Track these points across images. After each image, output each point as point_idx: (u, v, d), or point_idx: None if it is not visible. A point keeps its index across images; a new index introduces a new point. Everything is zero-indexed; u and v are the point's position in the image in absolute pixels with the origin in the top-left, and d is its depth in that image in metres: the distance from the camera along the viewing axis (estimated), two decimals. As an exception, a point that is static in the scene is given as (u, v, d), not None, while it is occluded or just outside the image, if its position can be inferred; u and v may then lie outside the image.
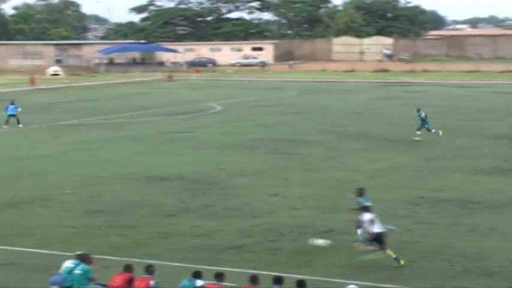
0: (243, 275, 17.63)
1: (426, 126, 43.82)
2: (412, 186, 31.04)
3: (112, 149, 41.71)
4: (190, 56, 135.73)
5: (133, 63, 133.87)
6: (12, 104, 53.85)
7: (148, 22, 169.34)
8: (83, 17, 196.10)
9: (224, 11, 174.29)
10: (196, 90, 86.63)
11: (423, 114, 44.06)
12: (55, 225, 25.02)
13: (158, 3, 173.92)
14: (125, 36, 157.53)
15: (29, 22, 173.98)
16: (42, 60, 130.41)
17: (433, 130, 43.74)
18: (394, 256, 20.67)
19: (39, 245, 22.49)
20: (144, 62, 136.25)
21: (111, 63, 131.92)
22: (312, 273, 19.64)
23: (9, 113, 53.10)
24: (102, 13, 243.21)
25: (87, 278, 16.82)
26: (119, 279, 16.48)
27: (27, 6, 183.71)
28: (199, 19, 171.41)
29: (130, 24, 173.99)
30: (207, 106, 65.81)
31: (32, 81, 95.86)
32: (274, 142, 43.48)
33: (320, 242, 21.95)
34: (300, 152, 40.16)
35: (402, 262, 20.62)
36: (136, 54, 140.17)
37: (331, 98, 72.57)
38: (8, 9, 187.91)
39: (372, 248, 20.78)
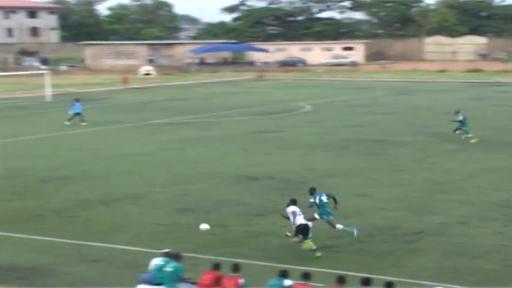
0: (330, 276, 17.55)
1: (465, 128, 43.07)
2: (503, 188, 30.41)
3: (202, 148, 42.07)
4: (280, 56, 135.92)
5: (224, 63, 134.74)
6: (77, 102, 54.84)
7: (240, 22, 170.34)
8: (175, 17, 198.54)
9: (315, 10, 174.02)
10: (286, 90, 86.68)
11: (461, 117, 43.37)
12: (145, 222, 25.36)
13: (249, 3, 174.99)
14: (216, 36, 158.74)
15: (123, 22, 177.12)
16: (135, 60, 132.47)
17: (470, 135, 42.87)
18: (314, 247, 21.24)
19: (129, 242, 22.83)
20: (235, 62, 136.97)
21: (202, 62, 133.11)
22: (400, 275, 19.44)
23: (75, 111, 54.08)
24: (194, 13, 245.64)
25: (178, 275, 16.97)
26: (208, 277, 16.59)
27: (122, 7, 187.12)
28: (290, 19, 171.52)
29: (222, 24, 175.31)
30: (296, 106, 65.79)
31: (125, 81, 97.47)
32: (364, 142, 43.18)
33: (204, 226, 23.26)
34: (389, 152, 39.80)
35: (319, 254, 21.12)
36: (227, 54, 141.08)
37: (422, 98, 71.69)
38: (103, 10, 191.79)
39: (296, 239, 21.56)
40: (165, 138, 46.38)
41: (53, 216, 26.26)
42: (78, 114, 53.87)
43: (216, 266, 16.79)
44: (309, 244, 21.40)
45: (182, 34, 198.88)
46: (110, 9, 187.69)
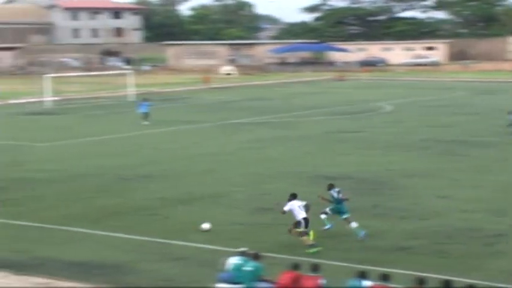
0: (409, 277, 17.37)
1: None
2: None
3: (281, 148, 42.11)
4: (361, 56, 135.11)
5: (304, 62, 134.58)
6: (145, 101, 55.66)
7: (320, 22, 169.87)
8: (256, 17, 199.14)
9: (397, 9, 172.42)
10: (366, 90, 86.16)
11: None
12: (224, 221, 25.49)
13: (331, 2, 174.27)
14: (296, 36, 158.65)
15: (205, 22, 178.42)
16: (216, 59, 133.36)
17: None
18: (314, 245, 21.76)
19: (209, 241, 22.97)
20: (315, 62, 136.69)
21: (282, 62, 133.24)
22: (481, 278, 19.10)
23: (142, 110, 54.83)
24: (274, 13, 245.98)
25: (257, 275, 16.98)
26: (286, 277, 16.56)
27: (204, 7, 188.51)
28: (371, 18, 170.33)
29: (302, 24, 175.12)
30: (376, 106, 65.32)
31: (206, 80, 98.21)
32: (445, 143, 42.64)
33: (205, 226, 23.87)
34: (471, 153, 39.20)
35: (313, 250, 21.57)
36: (307, 54, 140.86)
37: (505, 98, 70.36)
38: (185, 11, 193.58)
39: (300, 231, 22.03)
40: (244, 137, 46.57)
41: (134, 214, 26.62)
42: (145, 113, 54.62)
43: (295, 266, 16.76)
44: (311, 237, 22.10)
45: (263, 34, 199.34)
46: (192, 9, 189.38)
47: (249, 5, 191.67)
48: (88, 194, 29.92)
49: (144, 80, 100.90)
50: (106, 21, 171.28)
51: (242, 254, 17.55)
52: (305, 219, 22.13)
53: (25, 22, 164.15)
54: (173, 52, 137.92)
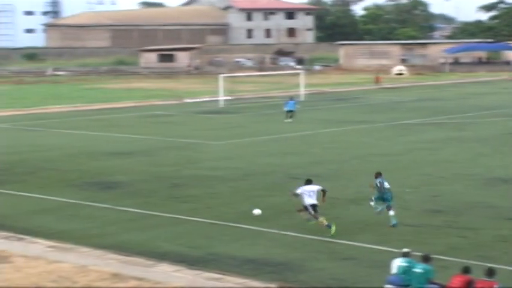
0: None
1: None
2: None
3: (454, 149, 41.29)
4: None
5: (479, 62, 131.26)
6: (291, 99, 56.72)
7: (497, 20, 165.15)
8: (430, 16, 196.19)
9: None
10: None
11: None
12: (394, 222, 25.25)
13: (509, 0, 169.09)
14: (472, 35, 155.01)
15: (377, 22, 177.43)
16: (388, 59, 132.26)
17: None
18: (326, 223, 23.33)
19: (378, 241, 22.82)
20: (490, 62, 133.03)
21: (456, 62, 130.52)
22: None
23: (288, 108, 55.96)
24: (449, 12, 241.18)
25: (427, 277, 16.68)
26: (457, 280, 16.18)
27: (377, 7, 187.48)
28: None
29: (478, 23, 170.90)
30: (555, 107, 62.90)
31: (377, 80, 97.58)
32: None
33: (257, 211, 24.90)
34: None
35: (333, 228, 23.19)
36: (482, 54, 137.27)
37: None
38: (359, 10, 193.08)
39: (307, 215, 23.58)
40: (416, 138, 45.97)
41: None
42: (291, 111, 55.82)
43: (466, 270, 16.37)
44: (321, 221, 23.53)
45: (436, 33, 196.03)
46: (365, 9, 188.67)
47: (423, 4, 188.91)
48: (260, 192, 30.38)
49: (315, 79, 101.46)
50: (279, 22, 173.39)
51: (405, 255, 17.30)
52: (312, 205, 23.42)
53: (202, 23, 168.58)
54: (345, 52, 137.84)
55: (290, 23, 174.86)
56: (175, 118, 61.11)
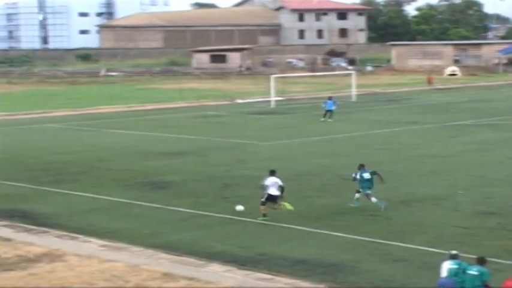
0: None
1: None
2: None
3: (507, 151, 40.76)
4: None
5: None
6: (330, 99, 57.78)
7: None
8: (484, 16, 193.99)
9: None
10: None
11: None
12: (446, 224, 25.00)
13: None
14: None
15: (430, 23, 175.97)
16: (441, 60, 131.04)
17: None
18: (290, 208, 25.71)
19: (430, 243, 22.60)
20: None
21: (510, 63, 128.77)
22: None
23: (328, 108, 57.13)
24: (504, 12, 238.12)
25: (482, 280, 16.41)
26: (511, 284, 15.96)
27: (430, 7, 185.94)
28: None
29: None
30: None
31: (429, 81, 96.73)
32: None
33: (239, 208, 26.52)
34: None
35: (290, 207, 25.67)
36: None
37: None
38: (411, 11, 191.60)
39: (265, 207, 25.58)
40: (468, 139, 45.51)
41: (354, 214, 26.63)
42: (329, 111, 56.95)
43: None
44: (285, 205, 25.77)
45: (490, 34, 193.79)
46: (418, 9, 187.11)
47: (477, 4, 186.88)
48: (310, 193, 30.31)
49: (367, 80, 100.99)
50: (331, 22, 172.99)
51: (454, 257, 17.07)
52: (274, 196, 25.55)
53: (254, 24, 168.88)
54: (397, 52, 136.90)
55: (342, 24, 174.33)
56: (227, 118, 61.30)
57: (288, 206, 25.74)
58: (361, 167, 27.42)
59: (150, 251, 22.23)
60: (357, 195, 27.29)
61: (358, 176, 27.20)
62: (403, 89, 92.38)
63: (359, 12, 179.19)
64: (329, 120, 56.23)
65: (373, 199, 26.87)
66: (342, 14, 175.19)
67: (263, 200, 25.65)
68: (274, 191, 25.65)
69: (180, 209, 27.68)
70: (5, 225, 25.68)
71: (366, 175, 27.06)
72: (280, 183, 25.85)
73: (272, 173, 26.14)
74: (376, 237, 23.35)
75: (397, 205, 28.04)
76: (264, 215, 25.57)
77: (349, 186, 31.42)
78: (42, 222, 26.07)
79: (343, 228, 24.44)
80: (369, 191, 26.97)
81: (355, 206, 27.19)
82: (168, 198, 29.72)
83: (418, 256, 21.56)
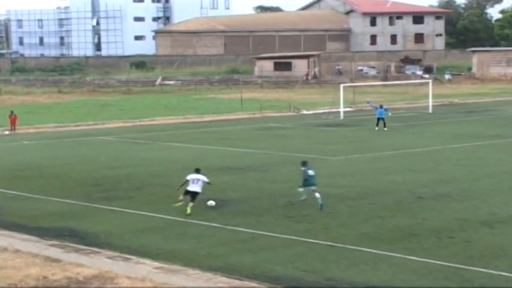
0: None
1: None
2: None
3: None
4: None
5: None
6: (381, 107, 59.71)
7: None
8: None
9: None
10: None
11: None
12: (532, 248, 24.60)
13: None
14: None
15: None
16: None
17: None
18: (189, 213, 29.34)
19: (513, 269, 22.29)
20: None
21: None
22: None
23: (378, 116, 59.38)
24: None
25: None
26: None
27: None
28: None
29: None
30: None
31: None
32: None
33: (210, 202, 30.52)
34: None
35: (189, 211, 29.35)
36: None
37: None
38: (495, 14, 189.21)
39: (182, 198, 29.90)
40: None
41: (431, 236, 26.35)
42: (381, 119, 59.16)
43: None
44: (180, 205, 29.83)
45: None
46: (502, 12, 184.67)
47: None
48: (381, 213, 30.10)
49: (445, 90, 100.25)
50: (406, 27, 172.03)
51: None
52: (193, 192, 29.56)
53: (321, 29, 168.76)
54: (479, 59, 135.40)
55: (418, 28, 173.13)
56: (291, 131, 61.34)
57: (186, 209, 29.41)
58: (305, 164, 31.21)
59: (208, 274, 22.28)
60: (301, 189, 31.31)
61: (303, 172, 31.00)
62: (484, 99, 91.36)
63: (437, 15, 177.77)
64: (385, 129, 58.12)
65: (317, 194, 30.45)
66: (418, 18, 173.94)
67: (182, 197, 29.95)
68: (194, 187, 29.64)
69: (240, 229, 27.72)
70: (53, 245, 26.00)
71: (311, 172, 30.85)
72: (206, 179, 30.12)
73: (197, 170, 30.39)
74: (454, 261, 23.06)
75: (477, 226, 27.68)
76: (179, 200, 30.04)
77: (425, 205, 31.26)
78: (92, 241, 26.35)
79: (418, 251, 24.21)
80: (313, 187, 30.72)
81: (302, 199, 31.31)
82: (227, 217, 29.79)
83: (502, 283, 21.27)
